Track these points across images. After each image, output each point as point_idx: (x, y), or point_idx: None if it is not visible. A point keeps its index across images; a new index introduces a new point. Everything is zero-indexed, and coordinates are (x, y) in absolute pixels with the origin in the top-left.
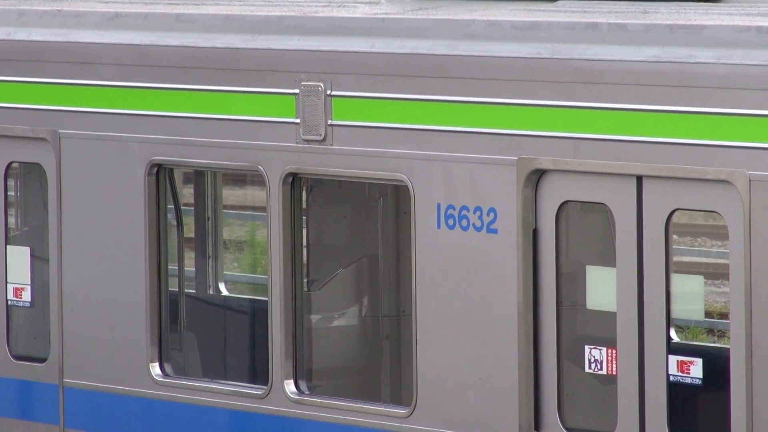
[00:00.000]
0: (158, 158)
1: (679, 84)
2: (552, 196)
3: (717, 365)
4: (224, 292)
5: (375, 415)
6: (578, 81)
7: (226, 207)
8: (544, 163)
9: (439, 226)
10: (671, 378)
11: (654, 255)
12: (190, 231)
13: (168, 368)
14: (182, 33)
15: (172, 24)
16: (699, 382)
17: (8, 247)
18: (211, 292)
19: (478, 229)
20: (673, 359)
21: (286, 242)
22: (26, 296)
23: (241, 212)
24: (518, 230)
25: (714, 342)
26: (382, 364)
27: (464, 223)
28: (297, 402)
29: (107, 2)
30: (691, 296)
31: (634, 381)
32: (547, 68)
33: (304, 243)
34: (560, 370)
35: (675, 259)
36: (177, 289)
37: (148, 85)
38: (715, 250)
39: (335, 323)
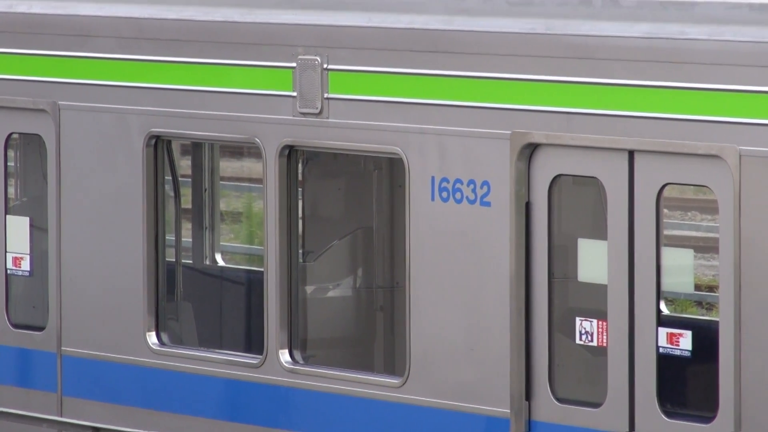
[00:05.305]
0: (156, 130)
1: (671, 60)
2: (545, 169)
3: (706, 337)
4: (220, 262)
5: (368, 385)
6: (571, 56)
7: (223, 179)
8: (538, 137)
9: (433, 199)
10: (661, 350)
11: (645, 228)
12: (187, 202)
13: (165, 337)
14: (181, 6)
15: None
16: (688, 354)
17: (8, 216)
18: (207, 263)
19: (472, 202)
20: (663, 331)
21: (282, 214)
22: (25, 266)
23: (238, 184)
24: (511, 203)
25: (703, 314)
26: (376, 335)
27: (458, 195)
28: (291, 371)
29: None
30: (680, 269)
31: (624, 353)
32: (541, 43)
33: (300, 215)
34: (551, 342)
35: (665, 232)
36: (174, 260)
37: (146, 57)
38: (705, 224)
39: (330, 294)
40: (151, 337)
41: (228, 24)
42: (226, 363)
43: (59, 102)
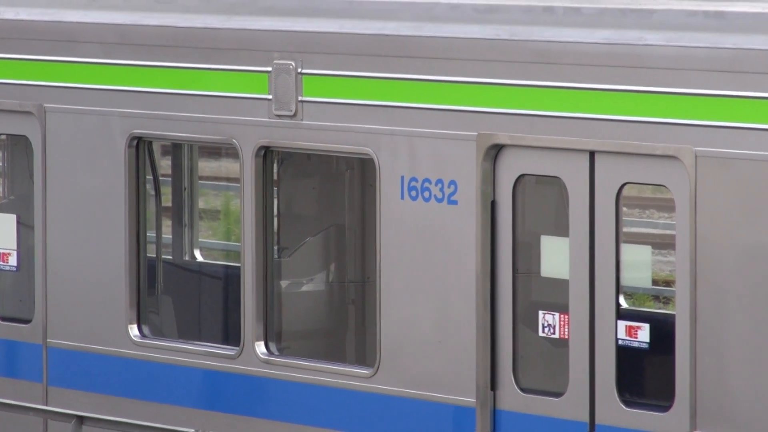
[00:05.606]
0: (138, 131)
1: (630, 65)
2: (509, 169)
3: (663, 330)
4: (199, 258)
5: (340, 375)
6: (535, 61)
7: (201, 178)
8: (502, 138)
9: (402, 197)
10: (620, 342)
11: (605, 226)
12: (167, 200)
13: (146, 330)
14: (162, 13)
15: (152, 4)
16: (646, 346)
17: None
18: (186, 259)
19: (440, 201)
20: (622, 324)
21: (258, 212)
22: (12, 261)
23: (216, 183)
24: (477, 202)
25: (660, 308)
26: (348, 327)
27: (426, 194)
28: (267, 362)
29: None
30: (639, 265)
31: (585, 344)
32: (506, 49)
33: (275, 212)
34: (515, 334)
35: (624, 229)
36: (155, 256)
37: (129, 62)
38: (662, 221)
39: (304, 288)
40: (133, 330)
41: (207, 30)
42: (204, 354)
43: (45, 105)
